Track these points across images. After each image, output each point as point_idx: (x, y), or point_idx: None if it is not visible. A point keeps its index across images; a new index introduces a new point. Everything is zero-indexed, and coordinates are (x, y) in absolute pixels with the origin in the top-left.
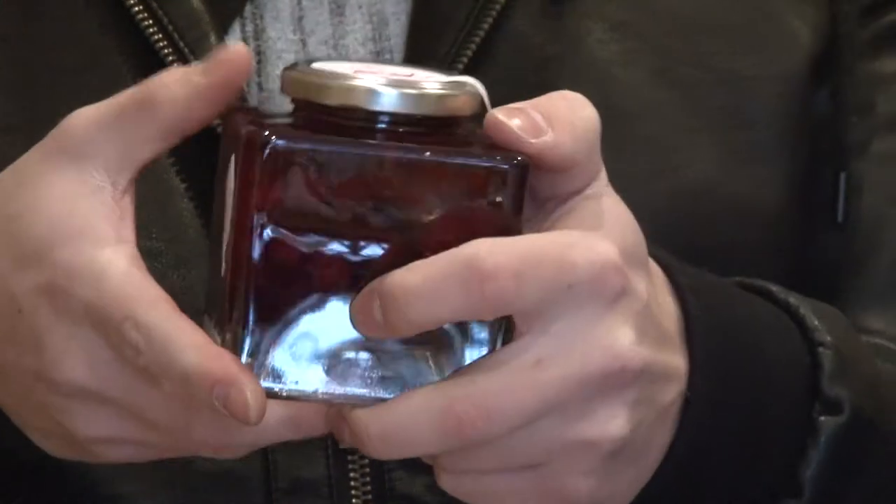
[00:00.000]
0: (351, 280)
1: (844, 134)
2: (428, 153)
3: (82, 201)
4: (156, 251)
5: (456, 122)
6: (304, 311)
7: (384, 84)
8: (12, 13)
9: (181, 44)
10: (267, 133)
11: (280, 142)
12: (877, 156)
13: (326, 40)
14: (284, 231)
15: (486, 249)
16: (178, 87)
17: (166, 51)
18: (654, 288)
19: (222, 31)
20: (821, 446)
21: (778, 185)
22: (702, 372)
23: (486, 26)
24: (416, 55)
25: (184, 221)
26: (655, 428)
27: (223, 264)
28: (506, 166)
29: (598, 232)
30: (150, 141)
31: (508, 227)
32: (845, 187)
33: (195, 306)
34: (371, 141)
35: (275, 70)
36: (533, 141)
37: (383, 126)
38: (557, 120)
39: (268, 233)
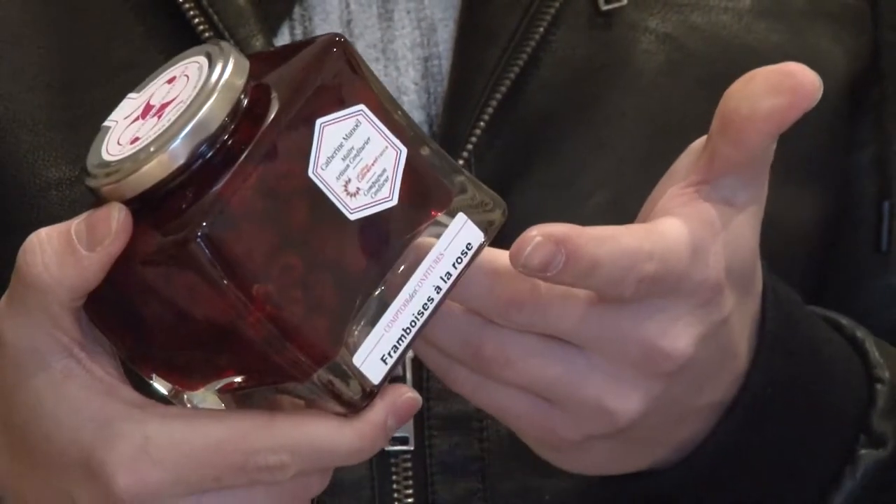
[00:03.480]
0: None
1: (887, 164)
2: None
3: (78, 396)
4: None
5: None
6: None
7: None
8: (59, 9)
9: (232, 42)
10: (191, 235)
11: (206, 231)
12: None
13: (375, 44)
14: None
15: (650, 252)
16: (63, 267)
17: None
18: (745, 306)
19: (270, 33)
20: (857, 477)
21: (810, 204)
22: (758, 377)
23: (536, 37)
24: (465, 63)
25: None
26: (678, 425)
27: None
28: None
29: (717, 245)
30: (59, 315)
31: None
32: (889, 216)
33: None
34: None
35: None
36: None
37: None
38: None
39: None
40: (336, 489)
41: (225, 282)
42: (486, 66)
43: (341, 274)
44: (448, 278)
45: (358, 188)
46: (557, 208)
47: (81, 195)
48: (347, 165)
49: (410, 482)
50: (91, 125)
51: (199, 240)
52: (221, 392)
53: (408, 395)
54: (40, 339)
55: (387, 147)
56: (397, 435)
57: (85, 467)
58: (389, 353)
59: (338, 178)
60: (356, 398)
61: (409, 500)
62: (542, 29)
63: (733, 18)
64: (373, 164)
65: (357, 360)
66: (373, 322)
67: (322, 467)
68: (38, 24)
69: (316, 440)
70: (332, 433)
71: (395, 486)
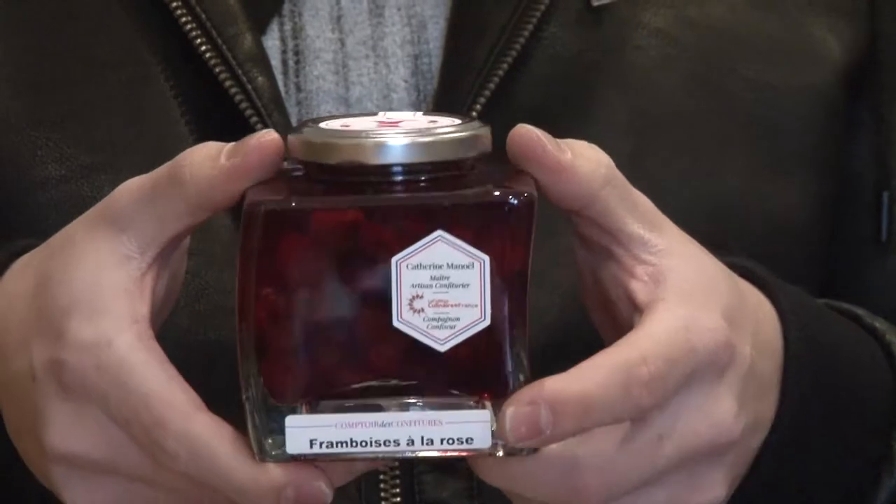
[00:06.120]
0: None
1: (886, 153)
2: (430, 194)
3: (108, 274)
4: (191, 249)
5: (461, 165)
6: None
7: (384, 137)
8: (40, 7)
9: (219, 40)
10: (261, 200)
11: (274, 206)
12: None
13: (365, 41)
14: (290, 296)
15: (641, 356)
16: (202, 165)
17: (204, 47)
18: (756, 337)
19: (258, 30)
20: (895, 473)
21: (808, 196)
22: (790, 404)
23: (525, 33)
24: (455, 60)
25: (216, 222)
26: (743, 469)
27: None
28: (514, 201)
29: (703, 303)
30: (178, 216)
31: (516, 259)
32: (888, 206)
33: (227, 305)
34: (375, 193)
35: (313, 70)
36: (555, 152)
37: (399, 178)
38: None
39: (273, 300)
40: None
41: (249, 252)
42: (476, 62)
43: (349, 353)
44: (427, 445)
45: (427, 312)
46: (548, 203)
47: (69, 194)
48: (432, 286)
49: (398, 480)
50: (76, 123)
51: (265, 209)
52: None
53: (320, 486)
54: (147, 216)
55: (477, 306)
56: None
57: (55, 322)
58: (322, 444)
59: (419, 291)
60: (255, 445)
61: (397, 499)
62: (531, 25)
63: (727, 10)
64: (455, 306)
65: (290, 421)
66: (338, 408)
67: (209, 486)
68: (17, 22)
69: (217, 456)
70: (233, 461)
71: (382, 484)
